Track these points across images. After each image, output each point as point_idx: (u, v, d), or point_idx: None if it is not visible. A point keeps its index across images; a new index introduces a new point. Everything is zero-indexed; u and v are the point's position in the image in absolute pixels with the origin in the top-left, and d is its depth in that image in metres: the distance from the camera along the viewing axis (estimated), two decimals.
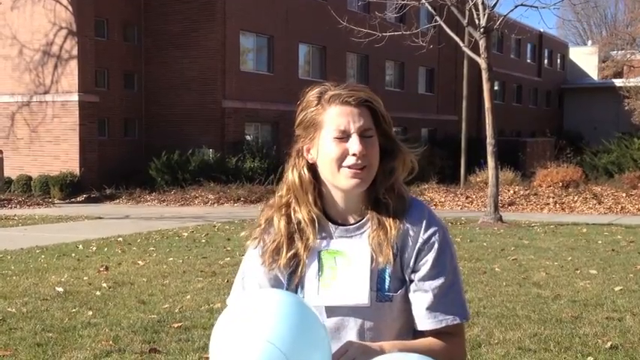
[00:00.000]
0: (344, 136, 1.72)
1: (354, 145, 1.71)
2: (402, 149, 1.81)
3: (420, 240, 1.75)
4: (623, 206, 16.01)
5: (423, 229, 1.76)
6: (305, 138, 1.79)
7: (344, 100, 1.73)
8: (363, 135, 1.72)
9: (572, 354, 4.48)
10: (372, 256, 1.74)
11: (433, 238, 1.75)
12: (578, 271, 7.68)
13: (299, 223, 1.79)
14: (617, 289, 6.63)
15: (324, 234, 1.79)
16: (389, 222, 1.75)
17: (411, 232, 1.76)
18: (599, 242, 10.30)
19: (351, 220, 1.80)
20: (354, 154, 1.71)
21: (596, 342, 4.75)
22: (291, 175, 1.82)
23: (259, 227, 1.84)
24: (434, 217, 1.79)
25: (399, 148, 1.80)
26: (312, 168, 1.80)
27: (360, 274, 1.73)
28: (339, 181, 1.74)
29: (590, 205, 16.27)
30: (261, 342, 1.45)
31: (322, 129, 1.75)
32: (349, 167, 1.72)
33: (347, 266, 1.75)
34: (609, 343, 4.68)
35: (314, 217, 1.78)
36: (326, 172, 1.76)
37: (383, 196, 1.77)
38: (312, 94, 1.78)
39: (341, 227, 1.79)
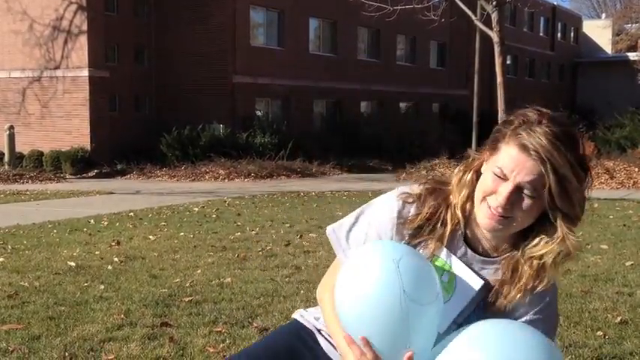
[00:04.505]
0: (503, 177, 1.62)
1: (502, 193, 1.61)
2: (563, 231, 1.65)
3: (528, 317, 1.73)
4: (636, 181, 15.91)
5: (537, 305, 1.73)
6: (487, 151, 1.72)
7: (523, 143, 1.60)
8: (520, 190, 1.62)
9: (582, 328, 4.47)
10: (474, 296, 1.70)
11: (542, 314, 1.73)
12: (589, 246, 7.65)
13: (440, 217, 1.74)
14: (628, 264, 6.61)
15: (452, 244, 1.74)
16: (515, 288, 1.69)
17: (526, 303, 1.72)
18: (611, 217, 10.25)
19: (481, 250, 1.75)
20: (497, 200, 1.63)
21: (605, 317, 4.74)
22: (459, 173, 1.76)
23: (419, 192, 1.78)
24: (554, 303, 1.76)
25: (561, 226, 1.65)
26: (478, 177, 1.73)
27: (454, 304, 1.70)
28: (478, 213, 1.69)
29: (602, 180, 16.16)
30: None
31: (494, 156, 1.67)
32: (490, 207, 1.64)
33: (446, 289, 1.71)
34: (619, 318, 4.67)
35: (456, 222, 1.73)
36: (475, 196, 1.71)
37: (525, 259, 1.69)
38: (520, 116, 1.66)
39: (470, 252, 1.74)
